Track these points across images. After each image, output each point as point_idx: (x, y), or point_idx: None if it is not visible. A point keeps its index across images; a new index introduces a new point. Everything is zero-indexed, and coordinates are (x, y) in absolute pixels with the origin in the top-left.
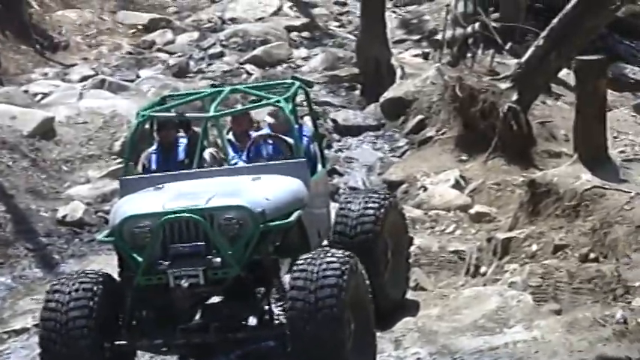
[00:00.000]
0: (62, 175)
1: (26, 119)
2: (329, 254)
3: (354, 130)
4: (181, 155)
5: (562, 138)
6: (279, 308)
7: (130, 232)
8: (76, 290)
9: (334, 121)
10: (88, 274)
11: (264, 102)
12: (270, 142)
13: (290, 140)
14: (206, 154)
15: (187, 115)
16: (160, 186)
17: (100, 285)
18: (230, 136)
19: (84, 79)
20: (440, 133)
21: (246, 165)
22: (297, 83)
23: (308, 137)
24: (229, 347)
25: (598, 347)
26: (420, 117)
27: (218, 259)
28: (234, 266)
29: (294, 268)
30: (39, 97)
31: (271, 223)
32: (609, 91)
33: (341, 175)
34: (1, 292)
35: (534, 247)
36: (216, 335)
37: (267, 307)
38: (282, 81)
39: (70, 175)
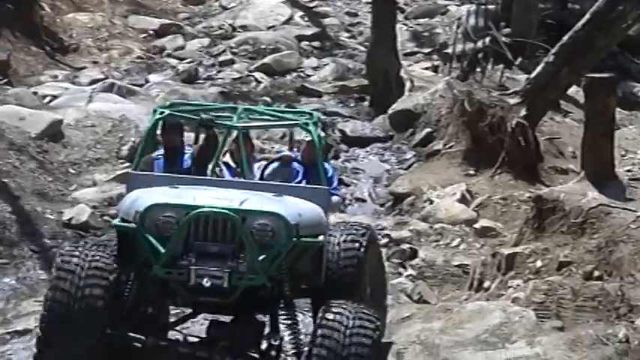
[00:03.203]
0: (69, 178)
1: (35, 121)
2: (363, 309)
3: (362, 142)
4: (187, 163)
5: (569, 155)
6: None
7: (154, 221)
8: (95, 260)
9: (342, 131)
10: (105, 247)
11: (292, 122)
12: (290, 166)
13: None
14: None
15: (212, 119)
16: (176, 186)
17: (115, 264)
18: (228, 159)
19: (93, 82)
20: (448, 146)
21: (270, 182)
22: (317, 115)
23: (333, 169)
24: None
25: None
26: (428, 130)
27: (244, 265)
28: (260, 275)
29: (326, 315)
30: (48, 99)
31: (303, 239)
32: (618, 110)
33: (347, 185)
34: (5, 293)
35: (539, 264)
36: (224, 355)
37: (276, 342)
38: (301, 109)
39: (76, 178)
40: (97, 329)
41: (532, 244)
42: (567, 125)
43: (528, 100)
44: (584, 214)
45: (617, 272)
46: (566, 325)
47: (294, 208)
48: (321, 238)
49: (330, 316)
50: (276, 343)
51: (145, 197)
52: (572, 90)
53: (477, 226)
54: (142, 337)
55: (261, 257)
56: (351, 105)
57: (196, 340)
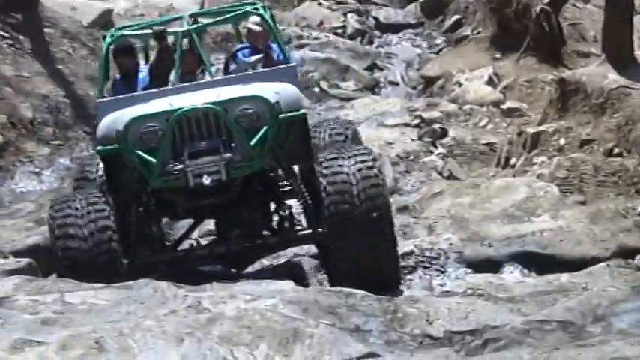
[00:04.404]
0: None
1: (86, 11)
2: (356, 149)
3: (395, 28)
4: (144, 81)
5: (591, 39)
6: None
7: (138, 135)
8: (91, 204)
9: (376, 18)
10: (92, 190)
11: (241, 11)
12: (247, 54)
13: (276, 50)
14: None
15: (164, 29)
16: (147, 101)
17: (108, 199)
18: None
19: None
20: (475, 32)
21: (237, 74)
22: (260, 4)
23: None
24: (255, 255)
25: (619, 237)
26: (457, 17)
27: (238, 154)
28: (256, 159)
29: (325, 166)
30: None
31: (288, 114)
32: None
33: (381, 69)
34: (61, 173)
35: (562, 142)
36: (240, 242)
37: (286, 212)
38: (242, 2)
39: None
40: (116, 268)
41: (556, 123)
42: (589, 11)
43: None
44: (605, 95)
45: (636, 150)
46: (587, 200)
47: (270, 88)
48: (303, 110)
49: (327, 163)
50: (286, 214)
51: (120, 116)
52: None
53: (503, 106)
54: (160, 256)
55: (252, 142)
56: None
57: (208, 241)
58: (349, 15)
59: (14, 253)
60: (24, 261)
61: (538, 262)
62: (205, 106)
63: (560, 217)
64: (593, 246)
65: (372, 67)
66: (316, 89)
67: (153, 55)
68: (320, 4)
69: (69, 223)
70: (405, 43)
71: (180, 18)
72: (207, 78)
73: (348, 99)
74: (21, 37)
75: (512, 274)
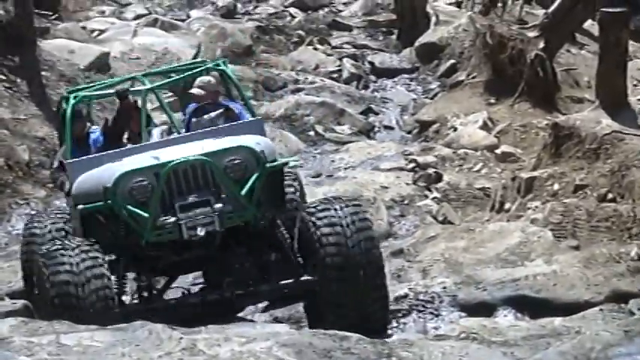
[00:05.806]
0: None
1: (83, 54)
2: (343, 201)
3: (390, 73)
4: (99, 141)
5: (585, 85)
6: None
7: (127, 190)
8: (85, 259)
9: (371, 63)
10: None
11: (204, 67)
12: (209, 111)
13: (234, 106)
14: (156, 132)
15: (127, 88)
16: (120, 159)
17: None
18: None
19: (138, 17)
20: (470, 77)
21: (206, 129)
22: (212, 63)
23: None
24: (246, 303)
25: (613, 282)
26: (452, 62)
27: (229, 205)
28: (249, 208)
29: (318, 217)
30: (96, 33)
31: (274, 163)
32: (631, 42)
33: (376, 114)
34: None
35: (556, 187)
36: (233, 289)
37: (272, 260)
38: (193, 61)
39: None
40: (110, 315)
41: (549, 168)
42: (583, 57)
43: (546, 33)
44: (599, 140)
45: (630, 195)
46: (581, 244)
47: (250, 139)
48: (294, 158)
49: (320, 214)
50: (272, 261)
51: (103, 173)
52: (588, 24)
53: (497, 151)
54: (151, 305)
55: (243, 191)
56: (380, 38)
57: (199, 289)
58: (345, 59)
59: (10, 294)
60: (20, 303)
61: (531, 306)
62: (196, 158)
63: (554, 261)
64: (587, 290)
65: (367, 112)
66: (312, 133)
67: (101, 117)
68: (316, 48)
69: (64, 271)
70: (400, 87)
71: (134, 78)
72: (155, 138)
73: (343, 143)
74: (18, 80)
75: (505, 317)
